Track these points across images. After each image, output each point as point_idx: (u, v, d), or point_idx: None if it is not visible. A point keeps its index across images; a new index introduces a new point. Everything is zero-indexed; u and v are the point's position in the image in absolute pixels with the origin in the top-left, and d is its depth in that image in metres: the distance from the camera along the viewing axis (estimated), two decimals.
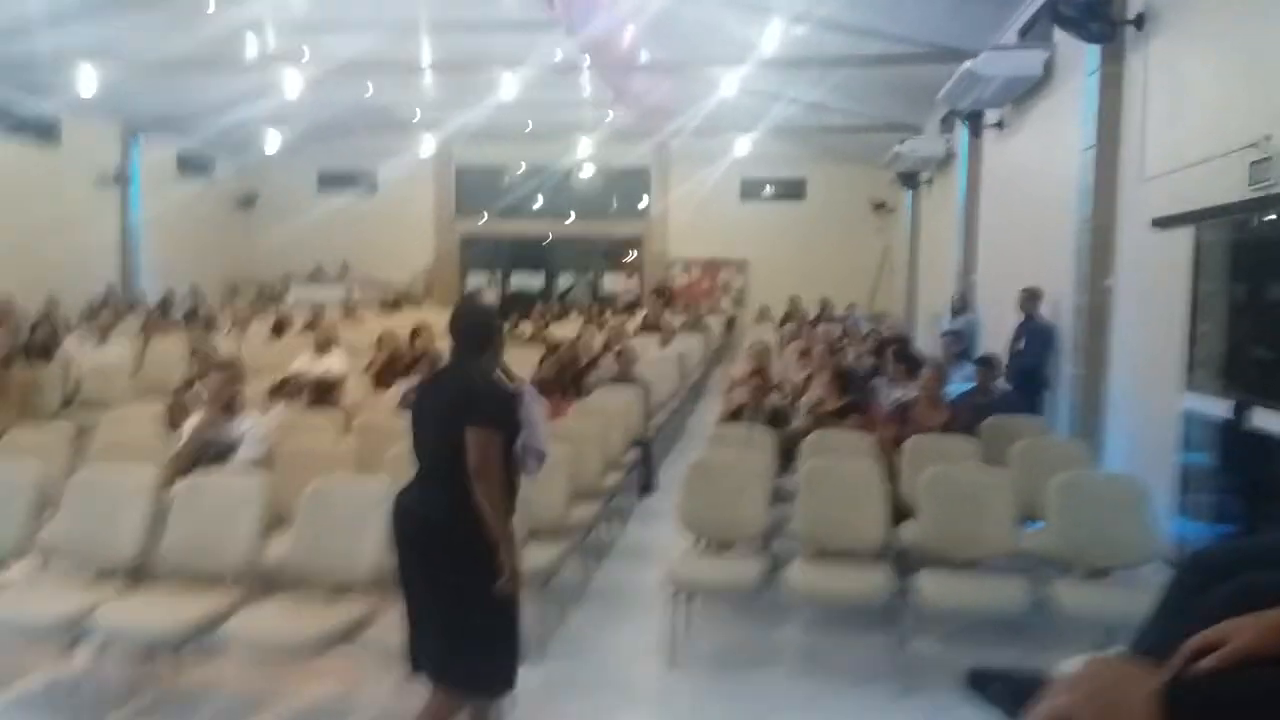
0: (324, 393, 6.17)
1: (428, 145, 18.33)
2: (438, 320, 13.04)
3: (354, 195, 19.95)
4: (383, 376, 7.55)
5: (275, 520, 4.33)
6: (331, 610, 3.69)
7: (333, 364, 7.38)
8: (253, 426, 4.79)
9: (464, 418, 3.00)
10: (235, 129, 15.94)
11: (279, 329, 11.12)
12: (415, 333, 7.81)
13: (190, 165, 18.08)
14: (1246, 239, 5.20)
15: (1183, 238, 5.67)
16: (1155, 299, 6.12)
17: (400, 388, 6.62)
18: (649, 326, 12.98)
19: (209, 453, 4.64)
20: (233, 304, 15.30)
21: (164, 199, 16.83)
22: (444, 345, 7.93)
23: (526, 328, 12.14)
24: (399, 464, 4.76)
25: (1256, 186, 4.73)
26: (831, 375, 6.19)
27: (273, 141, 17.00)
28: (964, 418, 5.79)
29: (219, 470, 4.45)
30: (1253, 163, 4.76)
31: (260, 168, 19.20)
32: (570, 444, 5.06)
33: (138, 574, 4.05)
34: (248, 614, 3.67)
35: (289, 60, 12.27)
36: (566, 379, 7.42)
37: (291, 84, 11.97)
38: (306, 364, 7.39)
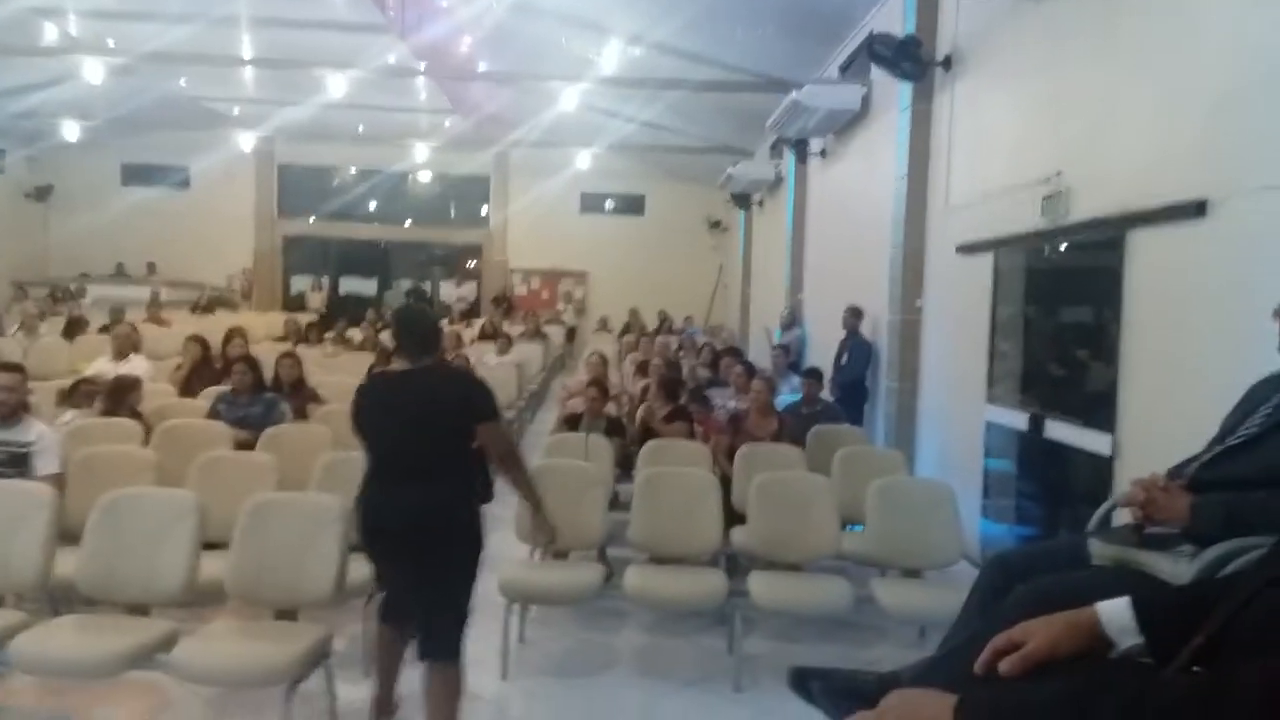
0: (121, 394, 5.68)
1: (247, 141, 17.35)
2: (257, 324, 12.52)
3: (163, 191, 18.61)
4: (190, 383, 7.08)
5: (67, 534, 3.94)
6: (128, 629, 3.39)
7: (134, 370, 6.82)
8: (41, 436, 4.36)
9: (470, 415, 3.29)
10: (29, 116, 14.56)
11: (72, 331, 10.18)
12: (229, 337, 7.34)
13: None
14: (1040, 265, 5.67)
15: (984, 263, 6.12)
16: (961, 319, 6.57)
17: (211, 396, 6.20)
18: (487, 335, 12.78)
19: None
20: (21, 303, 13.88)
21: None
22: (265, 350, 7.58)
23: (356, 334, 11.67)
24: (206, 475, 4.53)
25: (1048, 217, 5.19)
26: (659, 383, 6.30)
27: (71, 131, 15.62)
28: (792, 427, 6.02)
29: (3, 479, 4.00)
30: (1045, 196, 5.22)
31: (57, 158, 17.58)
32: None
33: None
34: (35, 633, 3.31)
35: (91, 48, 11.33)
36: None
37: (93, 72, 11.04)
38: (104, 368, 6.80)
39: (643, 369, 8.64)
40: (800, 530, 4.51)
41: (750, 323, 15.53)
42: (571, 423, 6.32)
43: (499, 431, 3.40)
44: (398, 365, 3.48)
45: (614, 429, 6.15)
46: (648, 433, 6.06)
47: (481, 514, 3.32)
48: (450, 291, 19.29)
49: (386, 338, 11.24)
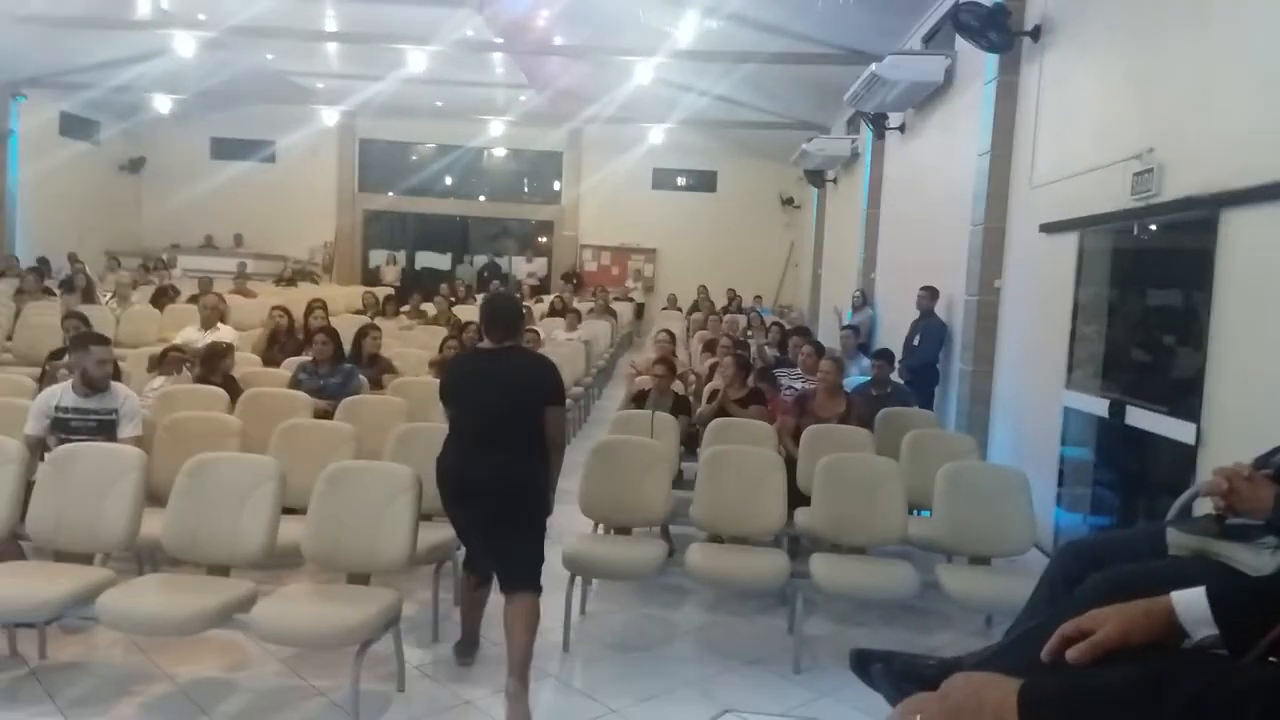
0: (215, 360, 5.91)
1: (330, 117, 17.78)
2: (337, 297, 12.88)
3: (250, 165, 19.18)
4: (272, 352, 7.31)
5: (154, 496, 4.14)
6: (210, 589, 3.56)
7: (221, 340, 7.09)
8: (125, 400, 4.58)
9: (544, 396, 3.71)
10: (123, 91, 15.14)
11: (162, 300, 10.62)
12: (310, 309, 7.56)
13: (74, 127, 17.08)
14: (1127, 246, 5.47)
15: (1068, 243, 5.94)
16: (1041, 301, 6.39)
17: (292, 365, 6.41)
18: (556, 311, 12.92)
19: (79, 425, 4.47)
20: (115, 273, 14.53)
21: (45, 161, 15.87)
22: (344, 322, 7.81)
23: (430, 308, 11.91)
24: (286, 442, 4.70)
25: (1138, 196, 4.99)
26: (735, 365, 6.26)
27: (163, 105, 16.21)
28: (860, 409, 5.95)
29: (92, 443, 4.22)
30: (1135, 173, 5.02)
31: (150, 132, 18.29)
32: None
33: (5, 548, 3.82)
34: (121, 590, 3.50)
35: (183, 21, 11.70)
36: None
37: (184, 45, 11.42)
38: (192, 336, 7.08)
39: (710, 347, 8.62)
40: (866, 514, 4.47)
41: (820, 303, 15.36)
42: (638, 400, 6.34)
43: (561, 417, 3.82)
44: (486, 345, 3.88)
45: (680, 407, 6.17)
46: (720, 412, 6.06)
47: (546, 476, 3.74)
48: (521, 267, 19.48)
49: (461, 312, 11.49)
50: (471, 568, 3.95)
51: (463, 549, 4.07)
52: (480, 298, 15.74)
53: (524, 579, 3.63)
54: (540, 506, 3.71)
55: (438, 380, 6.18)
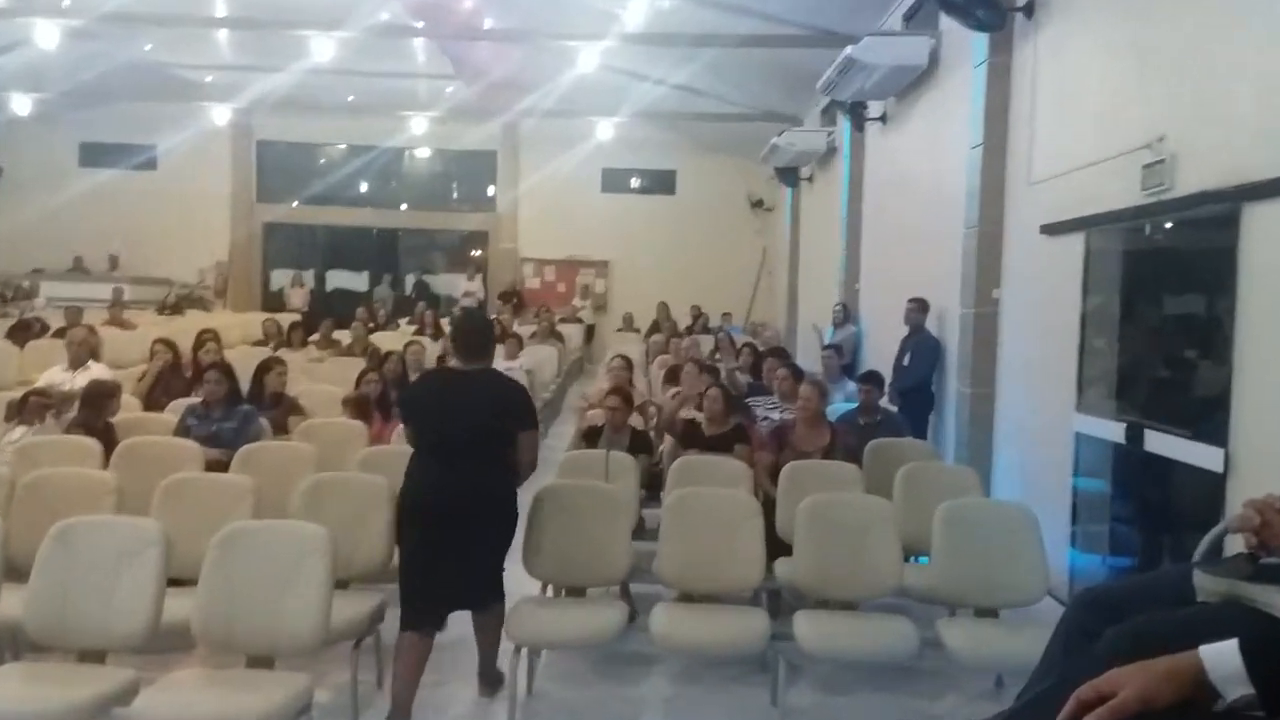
0: (99, 402, 5.81)
1: (221, 116, 17.59)
2: (232, 326, 12.68)
3: (126, 173, 18.92)
4: (155, 394, 7.18)
5: (13, 570, 4.01)
6: (82, 680, 3.45)
7: (101, 379, 6.95)
8: None
9: (516, 421, 4.22)
10: None
11: (22, 335, 10.38)
12: (200, 341, 7.45)
13: None
14: (1139, 247, 5.59)
15: (1073, 245, 6.06)
16: (1045, 312, 6.51)
17: (179, 409, 6.30)
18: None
19: None
20: None
21: None
22: (241, 356, 7.66)
23: (345, 336, 11.80)
24: (172, 500, 4.62)
25: (1150, 191, 5.11)
26: (723, 398, 6.29)
27: (22, 106, 15.93)
28: (846, 441, 5.99)
29: None
30: (1145, 165, 5.14)
31: (6, 137, 17.93)
32: (394, 475, 4.93)
33: None
34: None
35: (44, 7, 11.53)
36: (393, 397, 7.25)
37: (46, 36, 11.25)
38: (58, 378, 6.92)
39: (673, 375, 8.64)
40: (855, 562, 4.49)
41: (798, 319, 15.51)
42: (590, 437, 6.33)
43: (535, 441, 4.38)
44: (455, 364, 4.45)
45: (639, 445, 6.17)
46: (688, 444, 6.09)
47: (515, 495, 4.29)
48: (460, 286, 19.28)
49: (382, 340, 11.37)
50: (418, 622, 4.10)
51: (391, 616, 4.19)
52: (405, 323, 15.75)
53: (495, 593, 4.26)
54: (507, 515, 4.25)
55: (353, 421, 6.08)
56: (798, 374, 7.06)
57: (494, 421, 4.16)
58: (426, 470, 4.16)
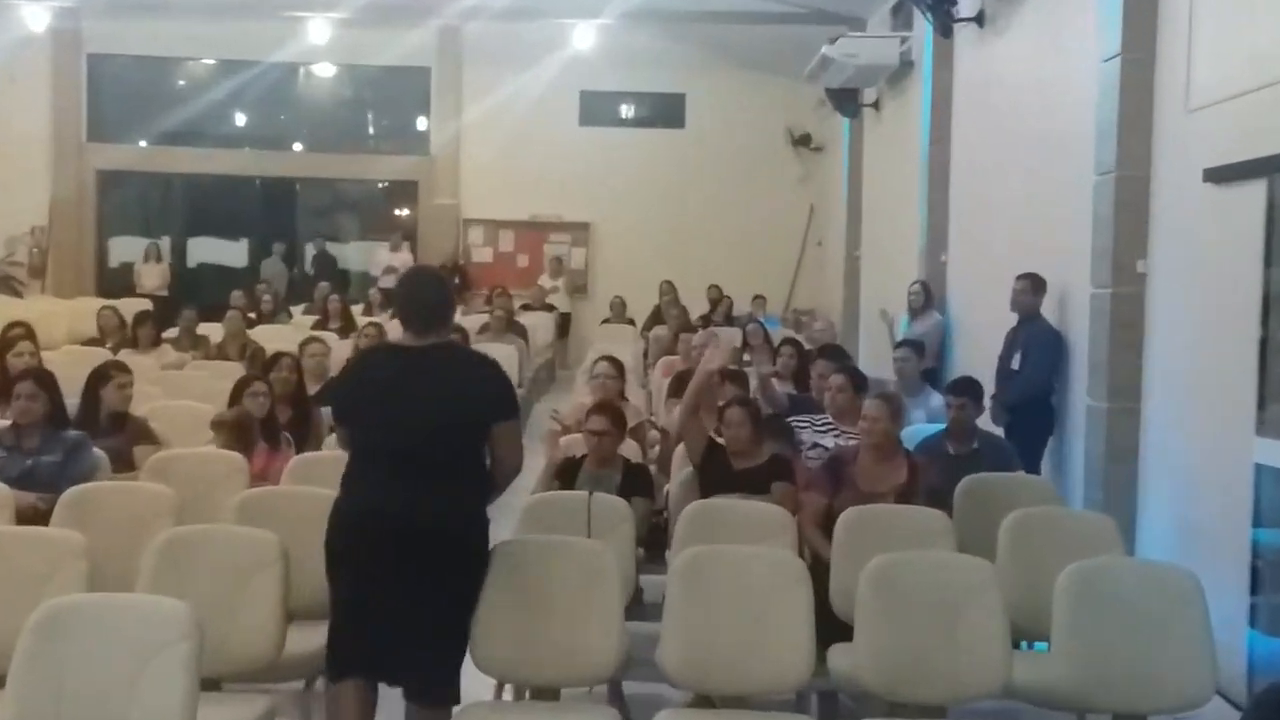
0: None
1: (37, 19, 17.52)
2: (54, 318, 12.55)
3: None
4: None
5: None
6: None
7: None
8: None
9: (489, 411, 4.44)
10: None
11: None
12: (7, 341, 7.44)
13: None
14: None
15: (1249, 198, 6.05)
16: (1211, 293, 6.49)
17: None
18: None
19: None
20: None
21: None
22: (66, 360, 7.61)
23: (215, 331, 11.77)
24: None
25: None
26: (748, 418, 6.28)
27: None
28: (929, 477, 5.99)
29: None
30: None
31: None
32: (286, 527, 4.95)
33: None
34: None
35: None
36: (286, 418, 7.25)
37: None
38: None
39: (680, 383, 8.59)
40: (944, 650, 4.48)
41: (860, 305, 15.53)
42: (566, 474, 6.33)
43: (516, 435, 4.63)
44: (403, 340, 4.59)
45: (635, 484, 6.18)
46: (710, 479, 6.09)
47: (485, 523, 4.51)
48: (380, 259, 19.07)
49: (268, 337, 11.33)
50: (353, 666, 4.29)
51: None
52: (301, 312, 15.59)
53: (446, 678, 4.27)
54: (480, 563, 4.43)
55: (228, 452, 6.06)
56: (859, 383, 7.05)
57: (461, 414, 4.35)
58: (369, 485, 4.32)
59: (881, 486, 5.86)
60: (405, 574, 4.19)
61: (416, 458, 4.27)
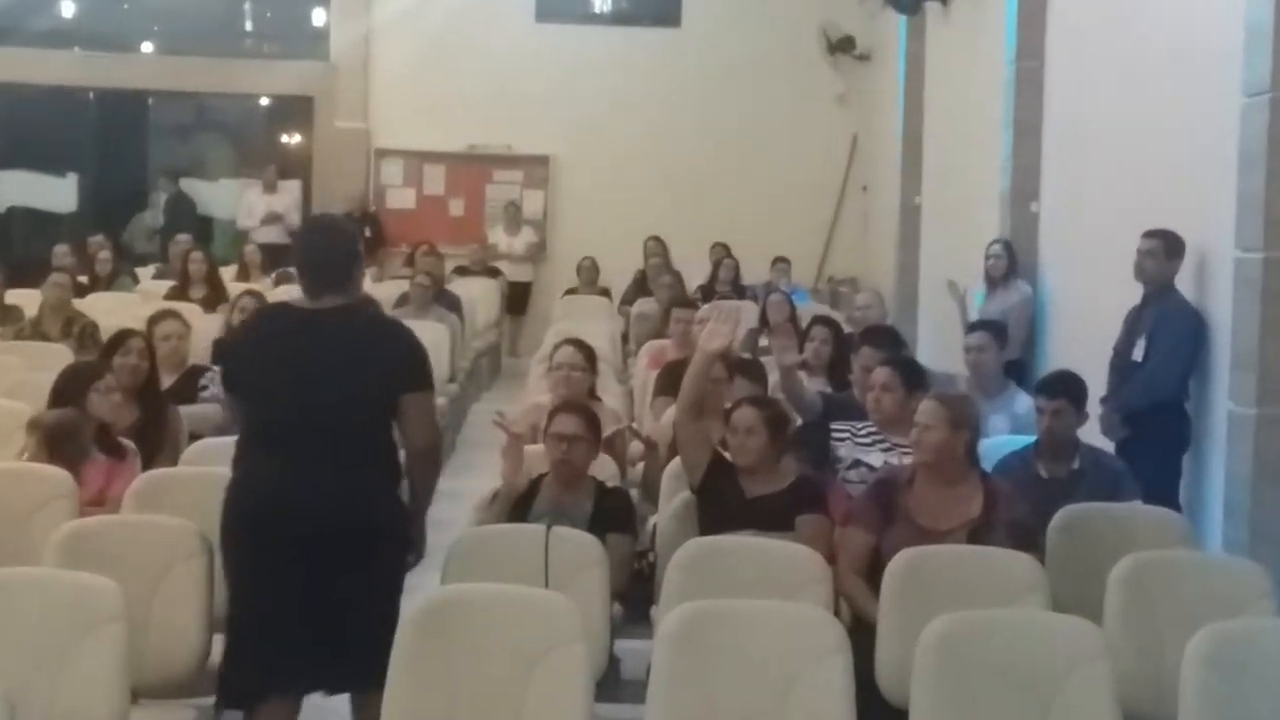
0: None
1: None
2: None
3: None
4: None
5: None
6: None
7: None
8: None
9: (396, 381, 4.97)
10: None
11: None
12: None
13: None
14: None
15: None
16: None
17: None
18: None
19: None
20: None
21: None
22: None
23: (32, 300, 11.74)
24: None
25: None
26: (766, 426, 6.26)
27: None
28: (1010, 508, 5.98)
29: None
30: None
31: None
32: (127, 570, 4.96)
33: None
34: None
35: None
36: (131, 420, 7.23)
37: None
38: None
39: (672, 377, 8.57)
40: None
41: (919, 273, 15.60)
42: (520, 501, 6.32)
43: (428, 408, 5.18)
44: (298, 302, 5.14)
45: (611, 513, 6.18)
46: (714, 505, 6.11)
47: (403, 510, 5.13)
48: (254, 204, 19.01)
49: (102, 309, 11.28)
50: (266, 689, 4.80)
51: None
52: (153, 276, 15.45)
53: (370, 668, 4.54)
54: (400, 548, 5.05)
55: (48, 467, 6.15)
56: (913, 379, 7.03)
57: (364, 386, 4.88)
58: (263, 472, 4.87)
59: (946, 521, 5.86)
60: (316, 576, 4.69)
61: (316, 438, 4.78)
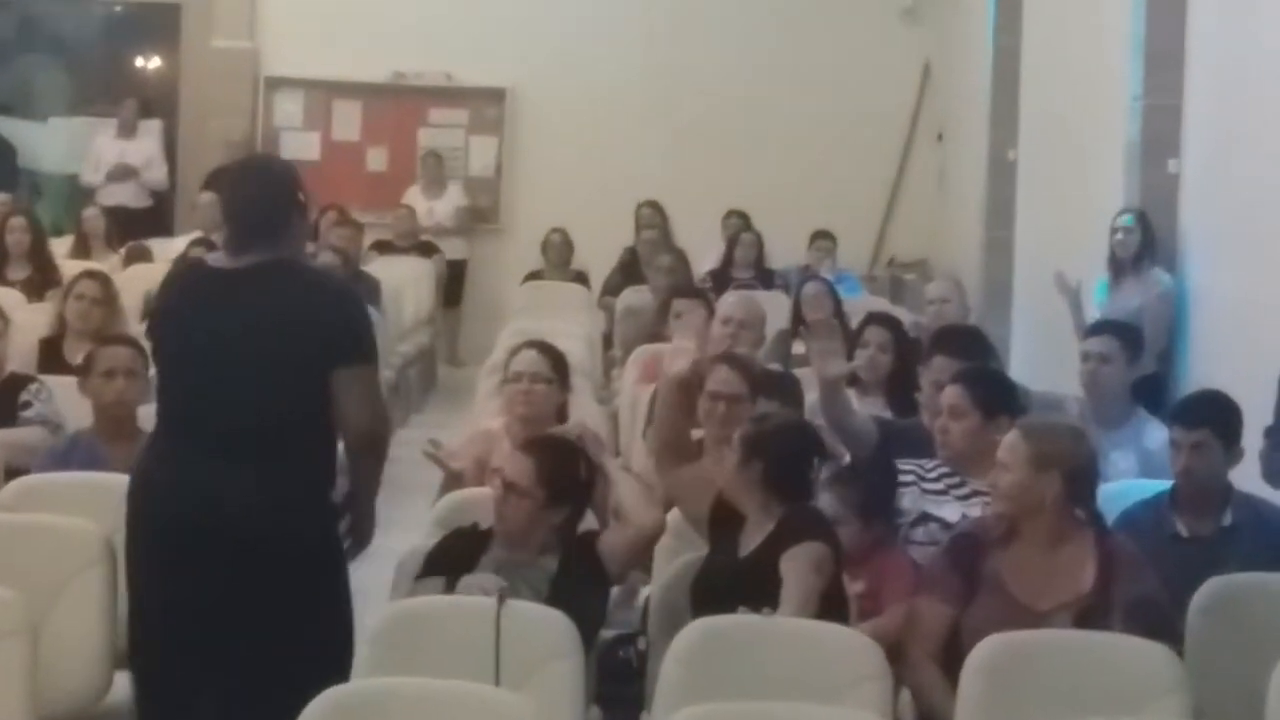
0: None
1: None
2: None
3: None
4: None
5: None
6: None
7: None
8: None
9: (326, 350, 5.18)
10: None
11: None
12: None
13: None
14: None
15: None
16: None
17: None
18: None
19: None
20: None
21: None
22: None
23: None
24: None
25: None
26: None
27: None
28: (1136, 578, 5.98)
29: None
30: None
31: None
32: None
33: None
34: None
35: None
36: None
37: None
38: None
39: (687, 395, 8.59)
40: None
41: (1014, 256, 15.72)
42: (458, 557, 6.34)
43: (371, 384, 5.49)
44: (218, 259, 5.55)
45: (583, 580, 6.21)
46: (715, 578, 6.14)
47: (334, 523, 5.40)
48: (104, 151, 19.06)
49: None
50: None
51: None
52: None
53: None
54: (334, 567, 5.33)
55: None
56: (996, 400, 7.01)
57: (283, 358, 5.16)
58: (166, 466, 5.18)
59: (1047, 598, 5.87)
60: (223, 585, 4.95)
61: (218, 426, 5.07)
